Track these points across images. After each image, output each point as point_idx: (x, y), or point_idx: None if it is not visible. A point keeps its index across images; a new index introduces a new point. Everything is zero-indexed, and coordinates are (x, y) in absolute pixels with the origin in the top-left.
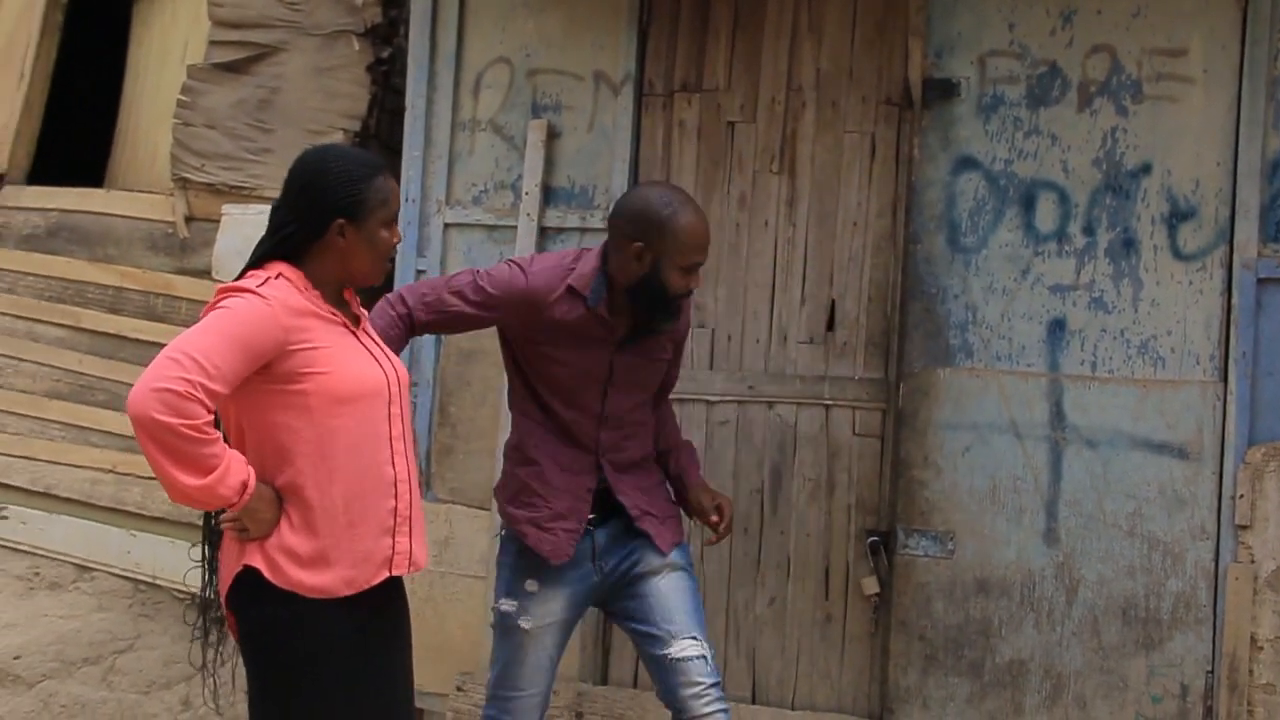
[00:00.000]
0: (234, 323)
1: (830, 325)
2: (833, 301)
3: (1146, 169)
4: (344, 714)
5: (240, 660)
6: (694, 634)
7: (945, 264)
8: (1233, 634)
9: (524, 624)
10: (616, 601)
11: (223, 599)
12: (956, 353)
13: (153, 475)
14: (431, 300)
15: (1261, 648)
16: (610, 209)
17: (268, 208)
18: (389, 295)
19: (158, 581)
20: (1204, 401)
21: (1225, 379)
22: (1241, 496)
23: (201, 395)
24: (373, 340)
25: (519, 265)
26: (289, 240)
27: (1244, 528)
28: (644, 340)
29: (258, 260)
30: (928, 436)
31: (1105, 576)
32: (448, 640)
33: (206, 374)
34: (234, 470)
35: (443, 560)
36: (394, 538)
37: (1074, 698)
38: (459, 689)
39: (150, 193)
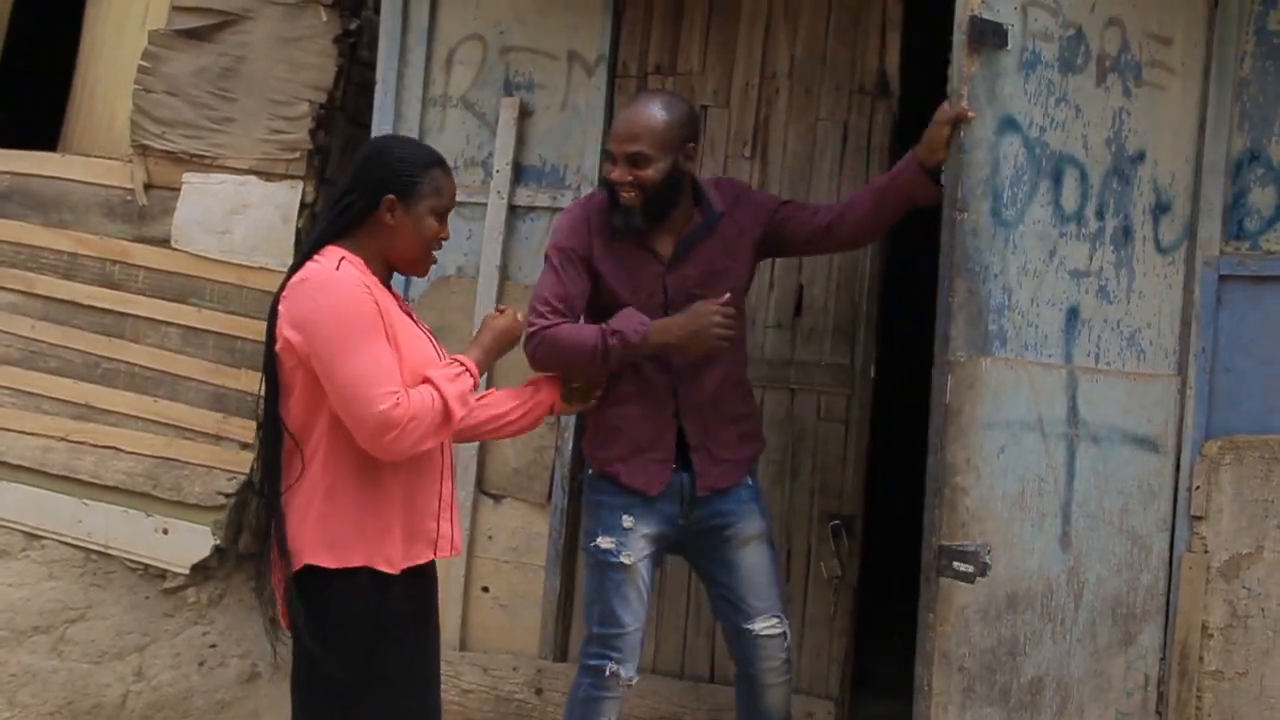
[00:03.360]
0: (361, 327)
1: (798, 310)
2: (800, 287)
3: (1141, 156)
4: (400, 689)
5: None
6: (777, 613)
7: (988, 238)
8: (1184, 622)
9: (624, 559)
10: (703, 561)
11: (280, 590)
12: (993, 340)
13: (106, 444)
14: (554, 303)
15: (1212, 635)
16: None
17: (229, 177)
18: (549, 331)
19: (110, 551)
20: (1169, 395)
21: (1184, 373)
22: (1198, 488)
23: (401, 397)
24: (424, 326)
25: (563, 211)
26: (348, 212)
27: (1199, 518)
28: (696, 252)
29: (317, 240)
30: (970, 436)
31: (1102, 576)
32: None
33: (393, 380)
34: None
35: None
36: (438, 521)
37: (1075, 707)
38: None
39: (108, 158)
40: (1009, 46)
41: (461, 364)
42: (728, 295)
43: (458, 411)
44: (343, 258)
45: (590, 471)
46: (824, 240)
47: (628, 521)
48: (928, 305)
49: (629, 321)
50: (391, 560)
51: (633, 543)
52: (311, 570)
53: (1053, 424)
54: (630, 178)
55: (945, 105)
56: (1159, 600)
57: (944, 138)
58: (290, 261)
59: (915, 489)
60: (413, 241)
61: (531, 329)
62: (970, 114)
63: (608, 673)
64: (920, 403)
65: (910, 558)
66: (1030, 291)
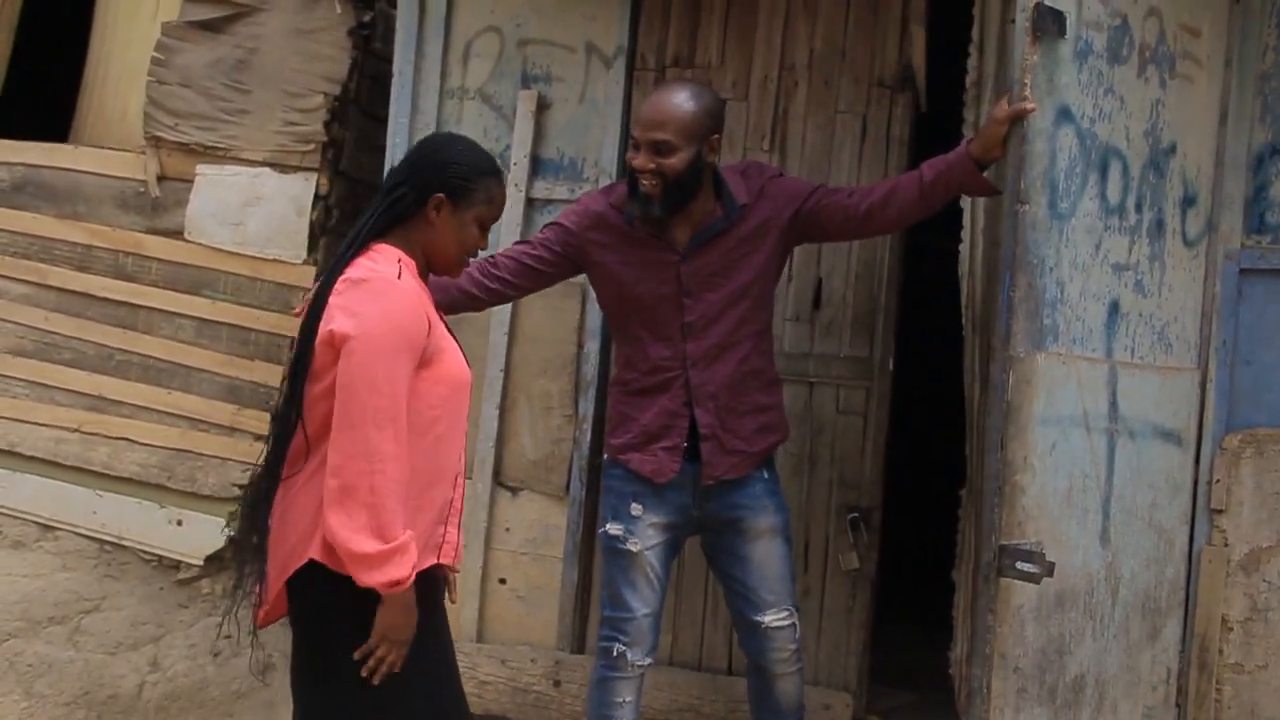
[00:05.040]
0: (400, 345)
1: (816, 303)
2: (819, 280)
3: (1173, 149)
4: (422, 690)
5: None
6: (787, 605)
7: (1045, 231)
8: (1204, 615)
9: (631, 547)
10: (716, 554)
11: (274, 591)
12: (1047, 335)
13: (119, 436)
14: (499, 253)
15: (1231, 628)
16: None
17: (243, 169)
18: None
19: (124, 542)
20: (1193, 389)
21: (1205, 366)
22: (1218, 481)
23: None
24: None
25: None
26: (398, 204)
27: (1218, 512)
28: (712, 245)
29: (367, 233)
30: (1028, 434)
31: (1135, 572)
32: None
33: (398, 422)
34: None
35: None
36: (445, 526)
37: (1110, 703)
38: None
39: (121, 150)
40: (1067, 35)
41: (404, 551)
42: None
43: (359, 547)
44: (400, 260)
45: (605, 458)
46: (861, 226)
47: (636, 509)
48: (945, 297)
49: None
50: None
51: (641, 530)
52: (314, 566)
53: (1096, 419)
54: (653, 165)
55: (1003, 102)
56: (1180, 594)
57: (1001, 135)
58: (303, 253)
59: (933, 481)
60: (451, 245)
61: None
62: (1030, 107)
63: (615, 653)
64: (937, 395)
65: (927, 550)
66: (1079, 285)
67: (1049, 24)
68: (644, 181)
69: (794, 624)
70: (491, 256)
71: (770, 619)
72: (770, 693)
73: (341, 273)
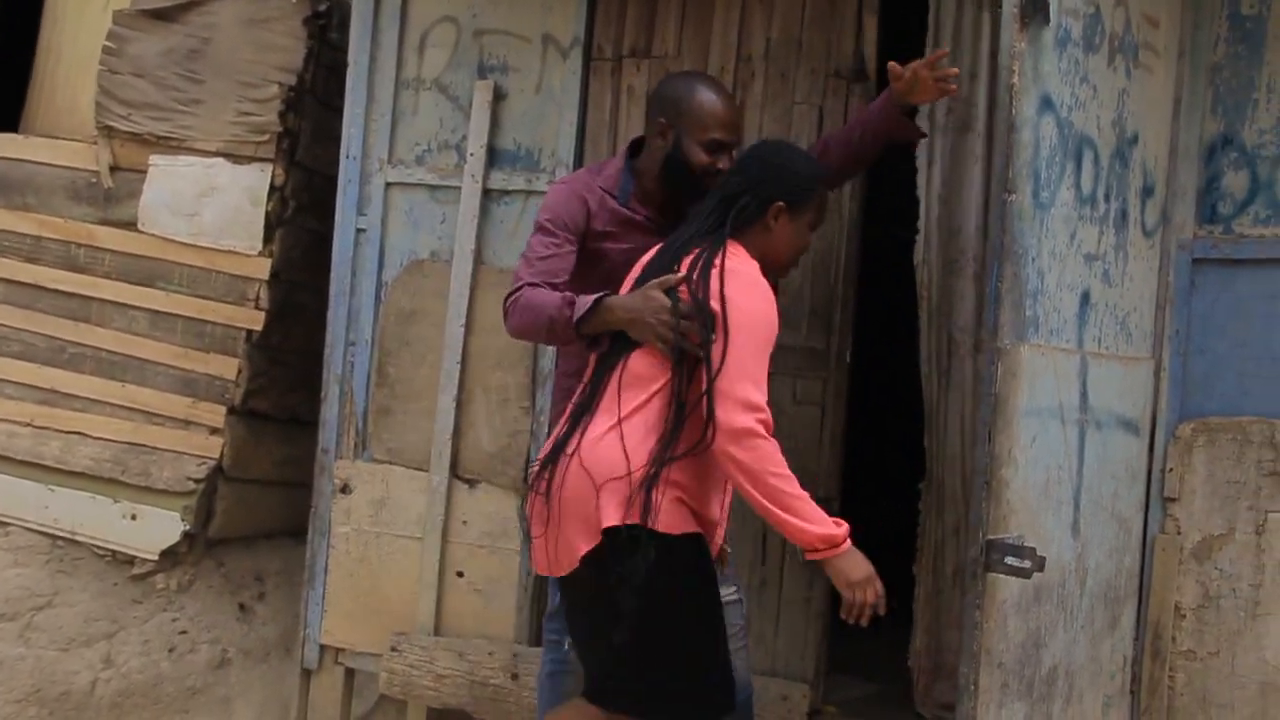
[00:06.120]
0: (769, 338)
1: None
2: None
3: (1136, 139)
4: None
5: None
6: (734, 582)
7: (1029, 221)
8: (1158, 603)
9: None
10: None
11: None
12: (1029, 326)
13: (72, 429)
14: (538, 267)
15: (1184, 616)
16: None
17: (197, 159)
18: (521, 293)
19: (77, 537)
20: (1149, 378)
21: (1159, 356)
22: (1171, 470)
23: (768, 423)
24: None
25: (556, 182)
26: (743, 213)
27: (1172, 500)
28: None
29: (717, 232)
30: (1014, 426)
31: (1100, 562)
32: (383, 601)
33: (765, 405)
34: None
35: (379, 520)
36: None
37: (1077, 693)
38: (394, 649)
39: (72, 140)
40: (1051, 22)
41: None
42: (683, 290)
43: (768, 480)
44: (757, 264)
45: None
46: None
47: None
48: (901, 289)
49: (590, 295)
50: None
51: None
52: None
53: (1070, 410)
54: (728, 165)
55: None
56: (1135, 582)
57: (928, 79)
58: (259, 245)
59: (890, 471)
60: (786, 249)
61: (513, 288)
62: (944, 51)
63: (566, 646)
64: (893, 385)
65: (883, 539)
66: (1056, 276)
67: (1034, 10)
68: (711, 182)
69: (741, 599)
70: (537, 279)
71: (723, 594)
72: None
73: (701, 266)
